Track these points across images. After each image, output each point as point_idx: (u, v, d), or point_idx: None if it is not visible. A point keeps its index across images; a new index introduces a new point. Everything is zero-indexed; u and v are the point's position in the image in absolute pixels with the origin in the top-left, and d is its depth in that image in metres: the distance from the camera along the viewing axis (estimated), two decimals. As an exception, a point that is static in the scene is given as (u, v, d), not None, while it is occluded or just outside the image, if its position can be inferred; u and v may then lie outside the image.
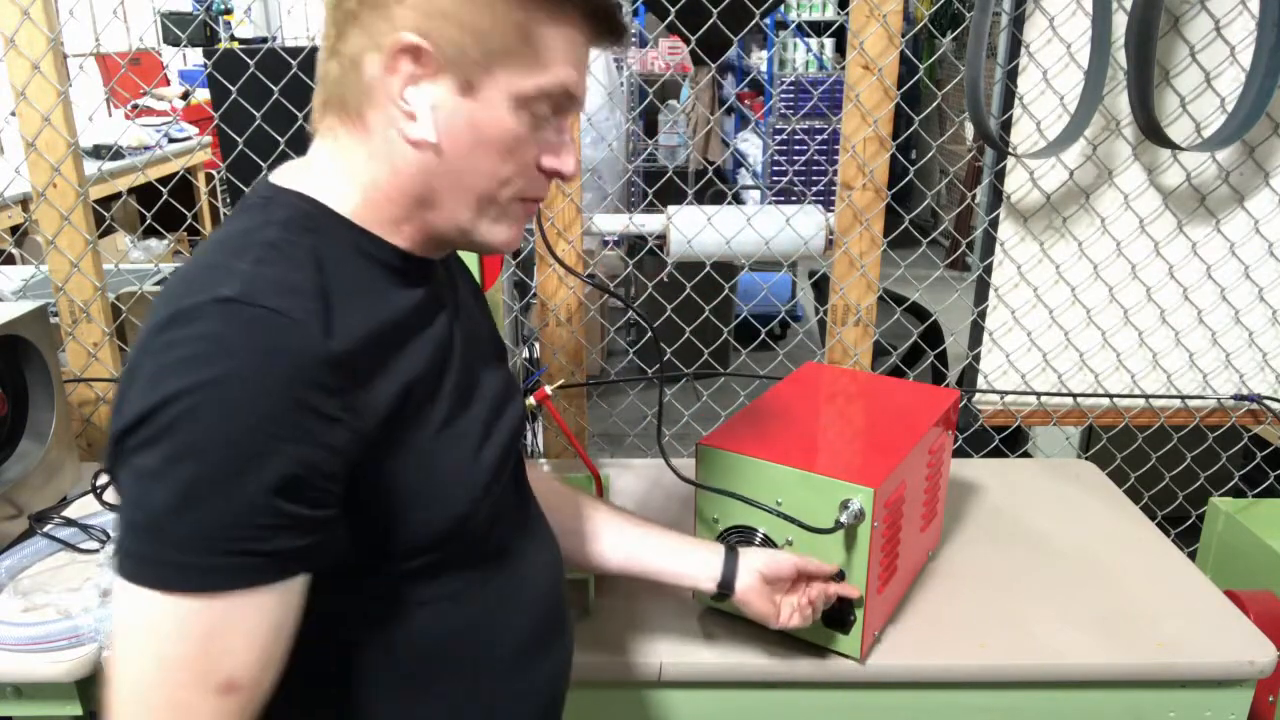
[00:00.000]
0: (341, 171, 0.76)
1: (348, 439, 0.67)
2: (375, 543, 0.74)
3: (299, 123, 1.54)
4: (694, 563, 1.08)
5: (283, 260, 0.69)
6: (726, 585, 1.07)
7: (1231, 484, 1.91)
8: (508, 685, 0.85)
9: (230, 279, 0.65)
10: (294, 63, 1.53)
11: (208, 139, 4.34)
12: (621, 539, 1.09)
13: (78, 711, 1.19)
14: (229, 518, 0.62)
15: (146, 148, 3.80)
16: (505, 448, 0.84)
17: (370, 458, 0.70)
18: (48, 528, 1.38)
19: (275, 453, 0.62)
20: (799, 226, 1.71)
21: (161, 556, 0.62)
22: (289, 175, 0.77)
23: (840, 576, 1.10)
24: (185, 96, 4.87)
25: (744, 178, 6.19)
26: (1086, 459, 1.76)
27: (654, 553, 1.08)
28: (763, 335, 1.90)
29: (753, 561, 1.08)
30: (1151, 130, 1.52)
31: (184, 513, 0.61)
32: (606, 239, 3.92)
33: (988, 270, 1.74)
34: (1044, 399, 1.80)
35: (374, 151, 0.74)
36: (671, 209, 1.77)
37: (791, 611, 1.08)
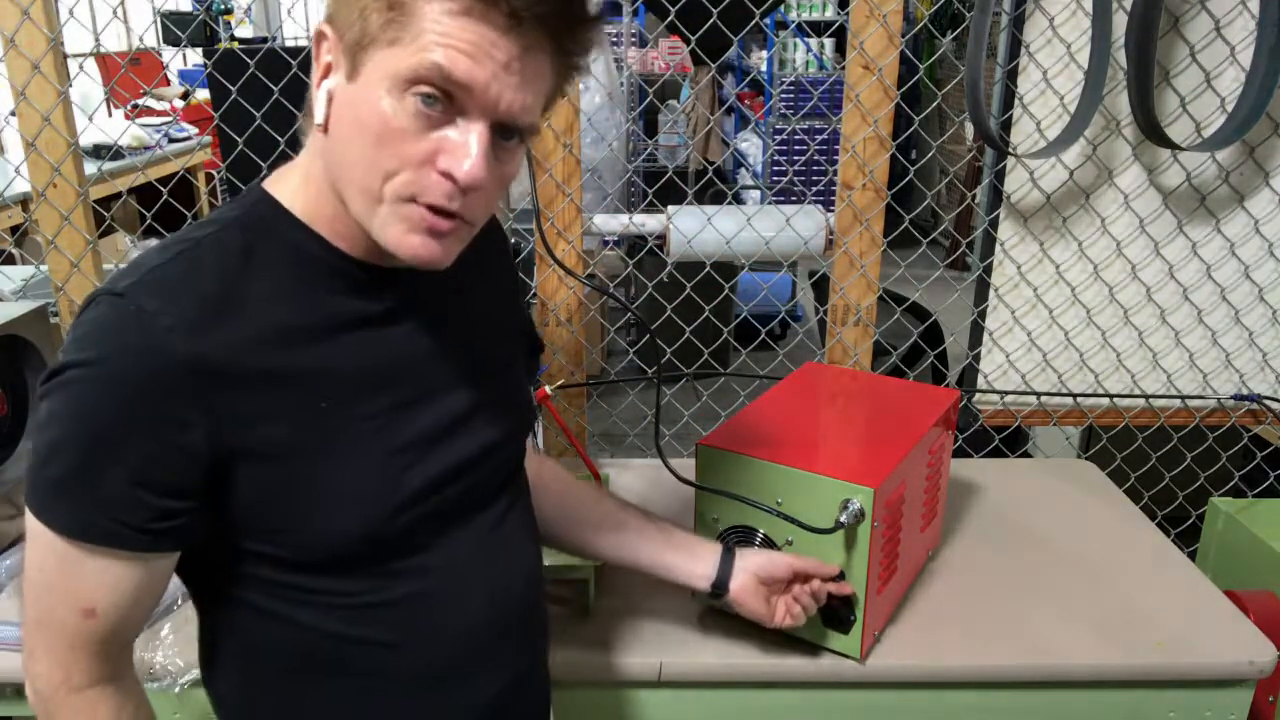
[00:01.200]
0: (300, 171, 0.78)
1: (203, 440, 0.70)
2: (253, 539, 0.76)
3: (299, 123, 1.54)
4: (690, 560, 1.09)
5: (198, 259, 0.73)
6: (720, 585, 1.07)
7: (1231, 484, 1.91)
8: (405, 710, 0.84)
9: (132, 274, 0.71)
10: (294, 63, 1.53)
11: (208, 139, 4.34)
12: (624, 533, 1.09)
13: (78, 711, 1.18)
14: (79, 483, 0.70)
15: (146, 148, 3.80)
16: (455, 466, 0.82)
17: (239, 461, 0.72)
18: (48, 528, 1.38)
19: (122, 439, 0.69)
20: (799, 226, 1.71)
21: (35, 490, 0.72)
22: (272, 177, 0.80)
23: (840, 577, 1.10)
24: (185, 96, 4.87)
25: (744, 178, 6.18)
26: (1086, 459, 1.76)
27: (652, 548, 1.09)
28: (763, 335, 1.90)
29: (748, 563, 1.08)
30: (1151, 130, 1.52)
31: (49, 465, 0.70)
32: (606, 239, 3.92)
33: (988, 270, 1.74)
34: (1044, 399, 1.80)
35: (309, 147, 0.77)
36: (671, 209, 1.77)
37: (784, 612, 1.08)
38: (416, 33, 0.66)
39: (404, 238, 0.72)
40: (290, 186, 0.78)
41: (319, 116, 0.72)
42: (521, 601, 0.91)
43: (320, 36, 0.72)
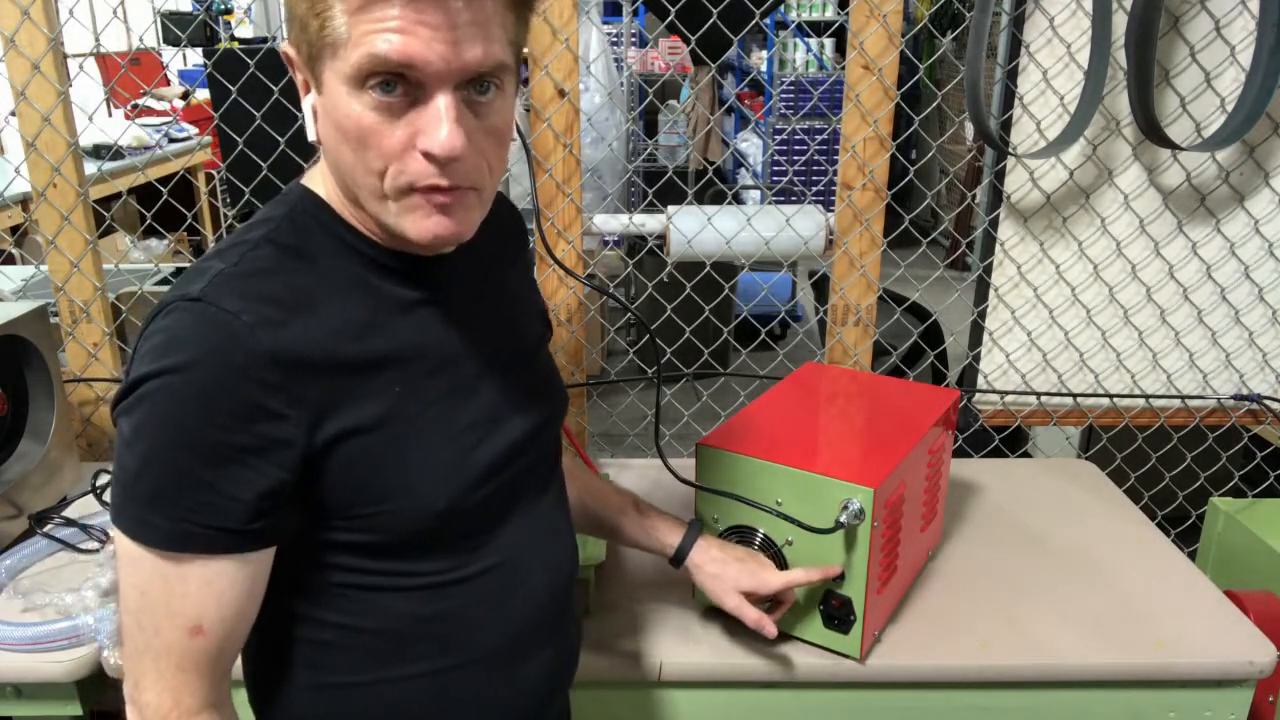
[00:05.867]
0: (324, 173, 0.80)
1: (295, 432, 0.72)
2: (341, 526, 0.77)
3: (299, 122, 1.54)
4: (663, 533, 1.14)
5: (261, 259, 0.75)
6: (680, 554, 1.12)
7: (1231, 484, 1.91)
8: (480, 682, 0.86)
9: (199, 279, 0.72)
10: (294, 63, 1.53)
11: (208, 139, 4.34)
12: (624, 515, 1.15)
13: (78, 711, 1.18)
14: (177, 492, 0.70)
15: (146, 148, 3.80)
16: (512, 445, 0.85)
17: (330, 448, 0.74)
18: (48, 528, 1.38)
19: (218, 440, 0.69)
20: (799, 226, 1.71)
21: (127, 511, 0.71)
22: (309, 173, 0.82)
23: (840, 578, 1.11)
24: (185, 96, 4.87)
25: (744, 178, 6.18)
26: (1086, 459, 1.76)
27: (637, 529, 1.15)
28: (763, 335, 1.90)
29: (727, 551, 1.12)
30: (1151, 130, 1.52)
31: (141, 480, 0.70)
32: (606, 239, 3.92)
33: (988, 270, 1.74)
34: (1044, 399, 1.80)
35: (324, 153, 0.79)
36: (671, 209, 1.77)
37: (756, 617, 1.09)
38: (346, 32, 0.67)
39: (420, 226, 0.73)
40: (322, 185, 0.80)
41: (310, 134, 0.75)
42: (570, 575, 0.95)
43: (287, 58, 0.75)
